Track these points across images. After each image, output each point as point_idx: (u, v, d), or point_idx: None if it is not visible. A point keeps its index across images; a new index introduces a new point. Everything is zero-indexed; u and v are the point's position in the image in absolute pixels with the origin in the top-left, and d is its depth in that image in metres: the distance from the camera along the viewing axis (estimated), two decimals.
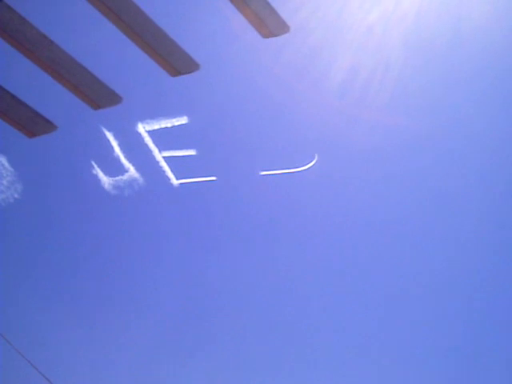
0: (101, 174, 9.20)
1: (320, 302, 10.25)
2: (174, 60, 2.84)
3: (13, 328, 7.75)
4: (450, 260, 10.04)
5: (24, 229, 9.87)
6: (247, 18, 2.70)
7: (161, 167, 9.12)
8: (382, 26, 8.15)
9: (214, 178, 9.58)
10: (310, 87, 9.12)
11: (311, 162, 9.37)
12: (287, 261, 10.33)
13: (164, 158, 9.09)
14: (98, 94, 2.91)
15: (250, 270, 10.33)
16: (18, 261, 9.66)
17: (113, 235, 10.32)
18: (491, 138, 9.53)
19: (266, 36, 2.78)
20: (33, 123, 3.01)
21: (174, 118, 8.70)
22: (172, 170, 9.18)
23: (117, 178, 9.21)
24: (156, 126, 8.78)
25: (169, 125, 8.73)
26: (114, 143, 8.99)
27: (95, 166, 9.21)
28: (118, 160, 9.09)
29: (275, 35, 2.77)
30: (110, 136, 8.96)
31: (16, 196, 8.84)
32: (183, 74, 2.89)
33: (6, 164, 8.64)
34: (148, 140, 8.89)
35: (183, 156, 9.24)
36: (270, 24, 2.72)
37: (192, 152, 9.27)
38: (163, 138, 8.97)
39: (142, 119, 8.76)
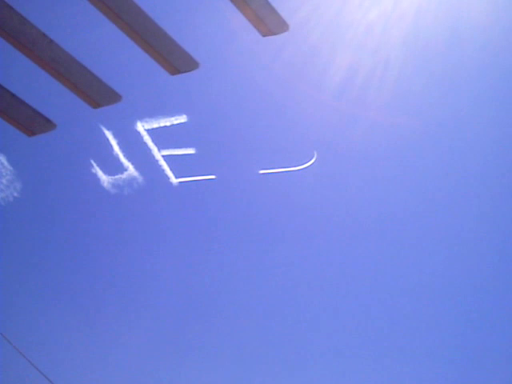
0: (100, 173, 9.20)
1: (319, 301, 10.26)
2: (173, 58, 2.84)
3: (13, 327, 7.75)
4: (450, 259, 10.05)
5: (23, 227, 9.87)
6: (247, 16, 2.70)
7: (160, 166, 9.13)
8: (382, 25, 8.15)
9: (213, 177, 9.59)
10: (310, 86, 9.12)
11: (310, 160, 9.38)
12: (286, 259, 10.34)
13: (163, 156, 9.10)
14: (97, 93, 2.91)
15: (249, 269, 10.34)
16: (18, 259, 9.67)
17: (112, 234, 10.32)
18: (491, 137, 9.54)
19: (265, 34, 2.78)
20: (32, 122, 3.01)
21: (173, 116, 8.70)
22: (171, 169, 9.18)
23: (116, 177, 9.21)
24: (155, 125, 8.78)
25: (168, 123, 8.73)
26: (114, 142, 9.00)
27: (94, 164, 9.21)
28: (117, 159, 9.09)
29: (275, 34, 2.77)
30: (109, 135, 8.96)
31: (15, 195, 8.84)
32: (183, 72, 2.89)
33: (6, 163, 8.64)
34: (147, 139, 8.90)
35: (182, 155, 9.24)
36: (269, 22, 2.72)
37: (191, 151, 9.28)
38: (162, 137, 8.98)
39: (141, 118, 8.76)
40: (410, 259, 10.19)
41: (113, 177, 9.21)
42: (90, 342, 9.67)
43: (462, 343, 9.90)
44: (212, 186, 9.73)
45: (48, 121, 3.02)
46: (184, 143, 9.23)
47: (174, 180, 9.26)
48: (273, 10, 2.73)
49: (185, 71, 2.90)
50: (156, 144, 8.97)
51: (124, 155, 9.11)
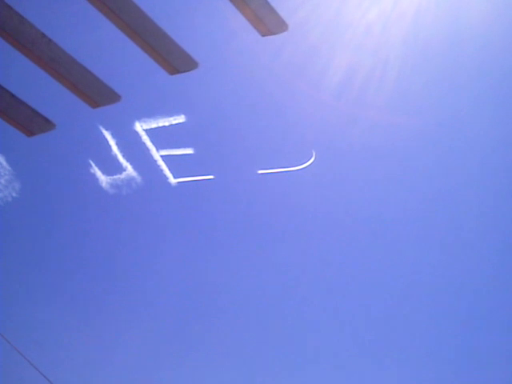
0: (99, 173, 9.20)
1: (319, 301, 10.26)
2: (172, 58, 2.84)
3: (12, 327, 7.74)
4: (450, 259, 10.05)
5: (22, 228, 9.86)
6: (246, 16, 2.70)
7: (158, 166, 9.12)
8: (381, 24, 8.15)
9: (211, 177, 9.59)
10: (309, 86, 9.12)
11: (309, 160, 9.38)
12: (285, 259, 10.34)
13: (162, 156, 9.09)
14: (96, 93, 2.91)
15: (248, 269, 10.34)
16: (17, 259, 9.66)
17: (111, 234, 10.32)
18: (490, 137, 9.54)
19: (264, 34, 2.78)
20: (31, 122, 3.01)
21: (172, 116, 8.70)
22: (170, 169, 9.18)
23: (115, 177, 9.21)
24: (154, 125, 8.78)
25: (166, 123, 8.73)
26: (112, 142, 8.99)
27: (93, 164, 9.21)
28: (115, 159, 9.09)
29: (274, 33, 2.77)
30: (107, 135, 8.96)
31: (14, 195, 8.84)
32: (182, 72, 2.89)
33: (4, 163, 8.63)
34: (146, 139, 8.89)
35: (181, 155, 9.24)
36: (268, 22, 2.72)
37: (190, 151, 9.27)
38: (161, 137, 8.98)
39: (140, 118, 8.75)
40: (409, 259, 10.20)
41: (111, 177, 9.21)
42: (90, 341, 9.67)
43: (462, 343, 9.92)
44: (211, 186, 9.74)
45: (47, 121, 3.01)
46: (182, 143, 9.23)
47: (172, 180, 9.26)
48: (272, 10, 2.72)
49: (184, 71, 2.89)
50: (154, 144, 8.97)
51: (122, 155, 9.11)
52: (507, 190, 9.71)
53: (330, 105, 9.27)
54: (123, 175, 9.17)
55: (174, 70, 2.87)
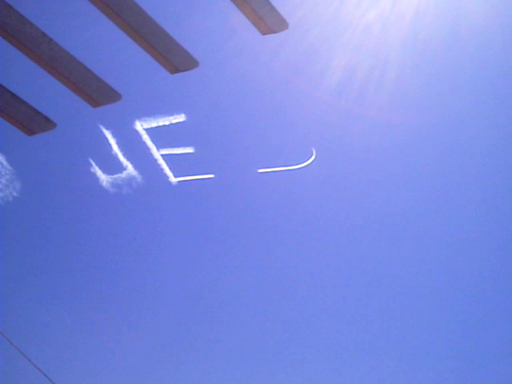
0: (99, 172, 9.20)
1: (319, 301, 10.26)
2: (172, 57, 2.84)
3: (13, 326, 7.75)
4: (451, 259, 10.05)
5: (23, 227, 9.86)
6: (246, 14, 2.70)
7: (159, 165, 9.12)
8: (381, 23, 8.15)
9: (211, 176, 9.59)
10: (309, 85, 9.12)
11: (309, 159, 9.38)
12: (286, 258, 10.34)
13: (162, 155, 9.09)
14: (97, 92, 2.91)
15: (248, 267, 10.35)
16: (18, 259, 9.66)
17: (111, 233, 10.32)
18: (490, 136, 9.54)
19: (264, 33, 2.78)
20: (32, 121, 3.01)
21: (172, 115, 8.70)
22: (170, 168, 9.18)
23: (115, 176, 9.21)
24: (154, 124, 8.78)
25: (167, 122, 8.73)
26: (112, 141, 8.99)
27: (93, 163, 9.21)
28: (116, 158, 9.09)
29: (274, 32, 2.77)
30: (108, 134, 8.95)
31: (15, 194, 8.84)
32: (182, 71, 2.89)
33: (5, 162, 8.64)
34: (146, 138, 8.89)
35: (181, 154, 9.24)
36: (269, 21, 2.72)
37: (190, 150, 9.27)
38: (161, 136, 8.97)
39: (140, 117, 8.75)
40: (409, 258, 10.20)
41: (112, 176, 9.21)
42: (91, 341, 9.67)
43: (462, 343, 9.91)
44: (211, 184, 9.74)
45: (48, 120, 3.01)
46: (183, 142, 9.23)
47: (172, 179, 9.26)
48: (272, 9, 2.72)
49: (184, 70, 2.89)
50: (155, 143, 8.97)
51: (123, 154, 9.11)
52: (508, 190, 9.71)
53: (330, 104, 9.27)
54: (124, 174, 9.18)
55: (174, 68, 2.87)
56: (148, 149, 8.95)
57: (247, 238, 10.51)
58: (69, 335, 9.55)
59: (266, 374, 9.88)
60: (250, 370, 9.98)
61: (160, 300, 10.15)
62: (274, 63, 8.70)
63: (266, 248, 10.48)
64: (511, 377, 9.23)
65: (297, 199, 10.25)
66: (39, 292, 9.85)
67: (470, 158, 9.81)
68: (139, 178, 9.24)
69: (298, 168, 9.40)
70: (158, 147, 9.01)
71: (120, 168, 9.14)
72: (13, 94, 2.96)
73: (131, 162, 9.17)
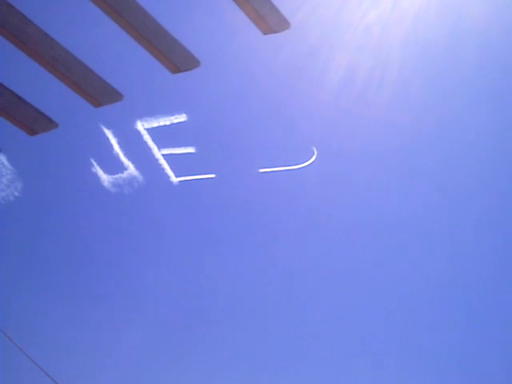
0: (100, 172, 9.20)
1: (320, 300, 10.26)
2: (174, 57, 2.84)
3: (13, 325, 7.76)
4: (452, 259, 10.05)
5: (24, 227, 9.87)
6: (248, 14, 2.70)
7: (160, 165, 9.13)
8: (382, 23, 8.15)
9: (213, 176, 9.59)
10: (310, 84, 9.12)
11: (310, 158, 9.38)
12: (286, 259, 10.34)
13: (163, 155, 9.10)
14: (98, 92, 2.91)
15: (249, 268, 10.35)
16: (19, 258, 9.67)
17: (112, 233, 10.33)
18: (491, 137, 9.54)
19: (266, 32, 2.78)
20: (34, 121, 3.01)
21: (173, 115, 8.70)
22: (171, 168, 9.19)
23: (116, 176, 9.21)
24: (155, 124, 8.78)
25: (168, 122, 8.73)
26: (114, 141, 9.00)
27: (95, 163, 9.22)
28: (117, 158, 9.10)
29: (275, 31, 2.77)
30: (109, 134, 8.96)
31: (16, 194, 8.85)
32: (184, 70, 2.89)
33: (6, 162, 8.64)
34: (147, 138, 8.90)
35: (182, 154, 9.24)
36: (270, 20, 2.72)
37: (191, 149, 9.28)
38: (162, 136, 8.98)
39: (141, 117, 8.76)
40: (411, 258, 10.20)
41: (113, 176, 9.22)
42: (91, 340, 9.68)
43: (463, 343, 9.91)
44: (212, 184, 9.74)
45: (50, 120, 3.02)
46: (184, 142, 9.23)
47: (174, 179, 9.27)
48: (274, 8, 2.73)
49: (186, 70, 2.90)
50: (156, 143, 8.98)
51: (124, 154, 9.12)
52: (509, 190, 9.70)
53: (332, 103, 9.27)
54: (125, 174, 9.18)
55: (175, 68, 2.88)
56: (149, 149, 8.96)
57: (248, 238, 10.51)
58: (69, 334, 9.56)
59: (266, 374, 9.89)
60: (250, 370, 9.98)
61: (161, 300, 10.16)
62: (275, 63, 8.70)
63: (267, 247, 10.48)
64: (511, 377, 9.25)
65: (298, 199, 10.25)
66: (40, 291, 9.87)
67: (472, 158, 9.81)
68: (140, 178, 9.25)
69: (300, 168, 9.41)
70: (159, 147, 9.03)
71: (121, 168, 9.15)
72: (15, 94, 2.96)
73: (132, 162, 9.18)
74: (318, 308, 10.26)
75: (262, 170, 9.64)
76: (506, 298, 9.73)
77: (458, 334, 9.93)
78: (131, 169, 9.17)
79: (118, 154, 9.06)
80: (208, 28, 7.58)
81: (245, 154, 10.03)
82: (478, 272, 9.89)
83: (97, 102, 2.95)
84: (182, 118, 8.74)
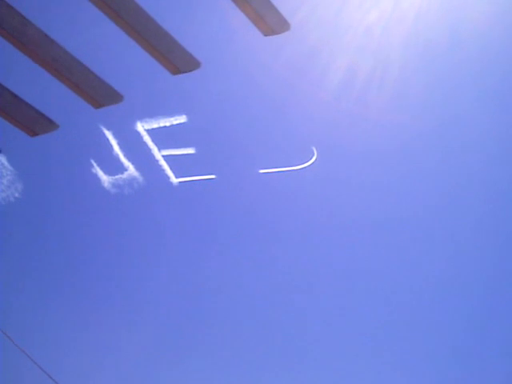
0: (100, 173, 9.21)
1: (320, 301, 10.26)
2: (174, 58, 2.84)
3: (14, 325, 7.76)
4: (452, 259, 10.05)
5: (24, 228, 9.88)
6: (248, 15, 2.70)
7: (160, 166, 9.13)
8: (383, 24, 8.15)
9: (213, 177, 9.59)
10: (310, 85, 9.12)
11: (310, 159, 9.38)
12: (287, 259, 10.33)
13: (163, 156, 9.10)
14: (99, 93, 2.91)
15: (249, 269, 10.34)
16: (19, 259, 9.68)
17: (112, 234, 10.33)
18: (492, 137, 9.54)
19: (266, 33, 2.78)
20: (34, 122, 3.02)
21: (173, 116, 8.71)
22: (171, 169, 9.19)
23: (116, 177, 9.22)
24: (155, 125, 8.79)
25: (168, 123, 8.74)
26: (114, 142, 9.00)
27: (95, 164, 9.22)
28: (117, 159, 9.10)
29: (276, 33, 2.77)
30: (109, 135, 8.97)
31: (16, 195, 8.85)
32: (184, 72, 2.89)
33: (7, 163, 8.65)
34: (147, 139, 8.90)
35: (182, 154, 9.24)
36: (270, 21, 2.72)
37: (191, 150, 9.28)
38: (162, 137, 8.98)
39: (141, 118, 8.76)
40: (411, 258, 10.19)
41: (113, 177, 9.22)
42: (92, 340, 9.68)
43: (463, 344, 9.91)
44: (212, 185, 9.74)
45: (50, 121, 3.02)
46: (184, 143, 9.23)
47: (174, 180, 9.27)
48: (274, 9, 2.73)
49: (186, 71, 2.90)
50: (156, 144, 8.98)
51: (124, 155, 9.12)
52: (509, 190, 9.70)
53: (332, 104, 9.27)
54: (125, 175, 9.19)
55: (176, 69, 2.88)
56: (149, 149, 8.97)
57: (248, 239, 10.51)
58: (69, 334, 9.56)
59: (267, 375, 9.88)
60: (251, 370, 9.98)
61: (161, 300, 10.16)
62: (275, 64, 8.70)
63: (267, 248, 10.48)
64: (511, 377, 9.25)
65: (298, 200, 10.25)
66: (40, 292, 9.87)
67: (472, 158, 9.80)
68: (140, 179, 9.25)
69: (300, 168, 9.41)
70: (160, 148, 9.03)
71: (121, 169, 9.16)
72: (15, 96, 2.96)
73: (132, 163, 9.18)
74: (318, 308, 10.26)
75: (262, 171, 9.64)
76: (505, 298, 9.73)
77: (458, 334, 9.93)
78: (131, 170, 9.18)
79: (118, 154, 9.07)
80: (208, 29, 7.59)
81: (245, 155, 10.03)
82: (478, 272, 9.89)
83: (97, 103, 2.96)
84: (182, 119, 8.75)
